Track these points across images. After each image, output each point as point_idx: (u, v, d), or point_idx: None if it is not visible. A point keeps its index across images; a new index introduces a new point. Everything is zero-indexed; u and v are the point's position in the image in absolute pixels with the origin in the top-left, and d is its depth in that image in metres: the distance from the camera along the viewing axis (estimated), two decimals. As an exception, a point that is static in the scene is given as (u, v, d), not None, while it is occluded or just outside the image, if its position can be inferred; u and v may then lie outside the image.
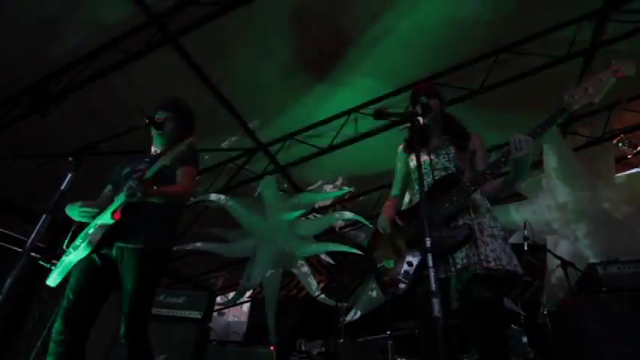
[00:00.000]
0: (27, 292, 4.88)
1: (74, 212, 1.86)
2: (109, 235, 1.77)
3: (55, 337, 1.66)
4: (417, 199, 1.80)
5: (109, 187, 2.09)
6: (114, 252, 1.81)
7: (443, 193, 1.69)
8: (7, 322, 4.56)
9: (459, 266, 1.58)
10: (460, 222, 1.65)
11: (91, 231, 1.78)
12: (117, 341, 3.30)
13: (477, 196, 1.73)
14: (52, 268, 1.86)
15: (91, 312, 1.77)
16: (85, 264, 1.80)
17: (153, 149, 2.13)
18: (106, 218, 1.74)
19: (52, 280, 1.84)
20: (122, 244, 1.79)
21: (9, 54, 3.23)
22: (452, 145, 1.84)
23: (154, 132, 2.08)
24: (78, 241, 1.80)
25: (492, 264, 1.54)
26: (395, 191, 2.05)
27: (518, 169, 1.60)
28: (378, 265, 1.80)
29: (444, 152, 1.83)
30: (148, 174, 1.68)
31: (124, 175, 2.02)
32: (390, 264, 1.74)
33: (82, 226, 1.89)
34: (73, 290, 1.76)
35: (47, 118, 3.34)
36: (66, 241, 1.88)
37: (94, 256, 1.81)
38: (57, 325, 1.69)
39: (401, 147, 2.04)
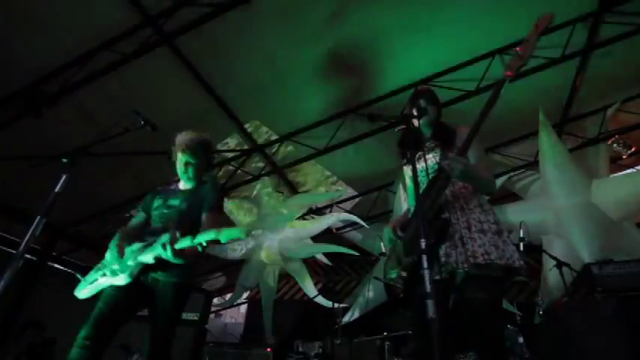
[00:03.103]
0: (22, 294, 4.86)
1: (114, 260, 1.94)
2: (146, 267, 1.92)
3: (80, 342, 1.76)
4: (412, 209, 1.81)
5: (142, 214, 2.20)
6: (149, 279, 1.96)
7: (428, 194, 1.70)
8: (3, 322, 4.54)
9: (441, 265, 1.57)
10: (439, 218, 1.63)
11: (131, 263, 1.90)
12: (115, 341, 3.32)
13: (466, 192, 1.74)
14: (81, 279, 2.03)
15: (117, 325, 1.89)
16: (120, 286, 1.93)
17: (182, 184, 2.23)
18: (148, 258, 1.86)
19: (82, 294, 1.99)
20: (158, 277, 1.95)
21: (4, 55, 3.21)
22: (438, 147, 1.85)
23: (181, 176, 2.18)
24: (114, 267, 1.90)
25: (480, 259, 1.52)
26: (404, 208, 2.05)
27: (468, 180, 1.66)
28: (387, 278, 1.81)
29: (432, 156, 1.85)
30: (178, 245, 1.79)
31: (155, 207, 2.15)
32: (392, 274, 1.75)
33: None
34: (106, 303, 1.89)
35: (42, 119, 3.32)
36: (111, 256, 1.94)
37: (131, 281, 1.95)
38: (84, 332, 1.78)
39: (404, 163, 2.01)
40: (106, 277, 1.92)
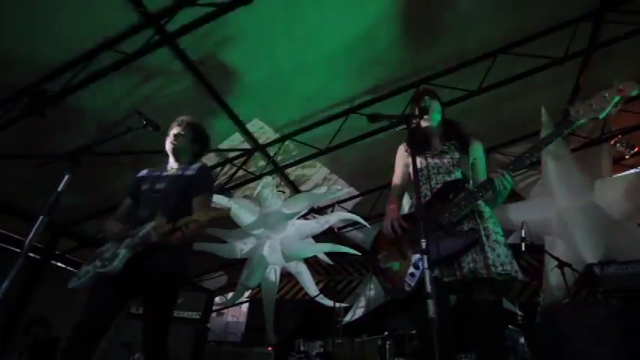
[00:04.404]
0: (25, 292, 4.89)
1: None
2: (135, 257, 1.87)
3: (73, 338, 1.75)
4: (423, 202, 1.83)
5: (128, 200, 2.18)
6: (138, 270, 1.89)
7: (449, 197, 1.71)
8: (5, 320, 4.57)
9: (464, 270, 1.60)
10: (466, 227, 1.67)
11: (119, 252, 1.86)
12: (115, 339, 3.32)
13: (482, 202, 1.77)
14: (74, 271, 2.00)
15: (109, 319, 1.87)
16: (109, 279, 1.88)
17: (169, 165, 2.21)
18: (135, 247, 1.85)
19: (73, 285, 1.94)
20: (147, 268, 1.89)
21: (7, 55, 3.22)
22: (457, 150, 1.87)
23: (168, 148, 2.18)
24: (108, 254, 1.90)
25: (500, 269, 1.57)
26: (397, 192, 2.05)
27: (501, 195, 1.73)
28: (382, 267, 1.80)
29: (449, 157, 1.85)
30: (160, 231, 1.79)
31: (143, 191, 2.10)
32: (395, 265, 1.75)
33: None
34: (96, 296, 1.87)
35: (45, 119, 3.34)
36: (101, 250, 1.97)
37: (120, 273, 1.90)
38: (76, 328, 1.77)
39: (402, 147, 2.04)
40: (96, 269, 1.89)
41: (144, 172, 2.24)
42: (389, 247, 1.82)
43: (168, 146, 2.17)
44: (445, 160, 1.84)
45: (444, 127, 1.95)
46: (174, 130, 2.19)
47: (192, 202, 2.01)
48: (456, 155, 1.84)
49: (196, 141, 2.24)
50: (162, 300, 1.92)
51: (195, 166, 2.13)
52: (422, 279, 1.61)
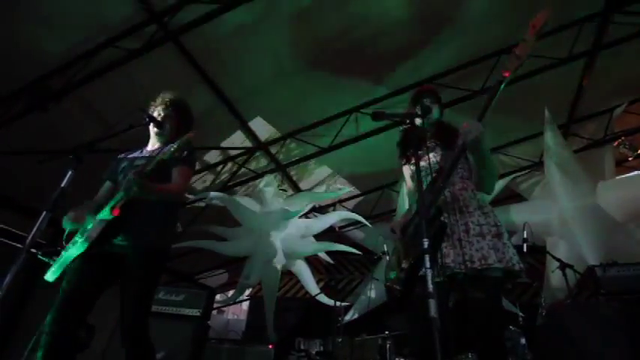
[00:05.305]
0: (27, 288, 4.90)
1: (67, 224, 1.84)
2: (108, 232, 1.76)
3: (47, 328, 1.64)
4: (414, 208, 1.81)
5: (107, 183, 2.09)
6: (114, 249, 1.80)
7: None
8: (6, 318, 4.58)
9: (442, 267, 1.57)
10: (436, 220, 1.60)
11: (89, 226, 1.76)
12: (115, 340, 3.32)
13: (466, 193, 1.74)
14: (52, 262, 1.85)
15: (85, 306, 1.76)
16: (83, 259, 1.78)
17: (150, 145, 2.14)
18: (104, 214, 1.73)
19: (50, 275, 1.83)
20: (123, 243, 1.79)
21: (9, 51, 3.23)
22: (439, 147, 1.85)
23: (152, 129, 2.09)
24: (77, 237, 1.79)
25: (477, 264, 1.53)
26: (406, 207, 2.03)
27: (475, 154, 1.67)
28: (387, 279, 1.81)
29: (434, 154, 1.84)
30: (148, 169, 1.67)
31: (121, 169, 2.03)
32: (392, 275, 1.75)
33: None
34: (69, 281, 1.75)
35: (48, 115, 3.35)
36: (64, 236, 1.86)
37: (93, 251, 1.78)
38: (50, 317, 1.67)
39: (404, 163, 1.99)
40: (69, 250, 1.78)
41: (122, 154, 2.16)
42: (392, 260, 1.83)
43: (153, 130, 2.07)
44: (432, 160, 1.83)
45: (435, 128, 1.93)
46: (160, 112, 2.08)
47: (172, 173, 1.94)
48: (439, 151, 1.83)
49: (182, 123, 2.14)
50: (141, 278, 1.76)
51: (177, 141, 1.94)
52: (407, 280, 1.60)
